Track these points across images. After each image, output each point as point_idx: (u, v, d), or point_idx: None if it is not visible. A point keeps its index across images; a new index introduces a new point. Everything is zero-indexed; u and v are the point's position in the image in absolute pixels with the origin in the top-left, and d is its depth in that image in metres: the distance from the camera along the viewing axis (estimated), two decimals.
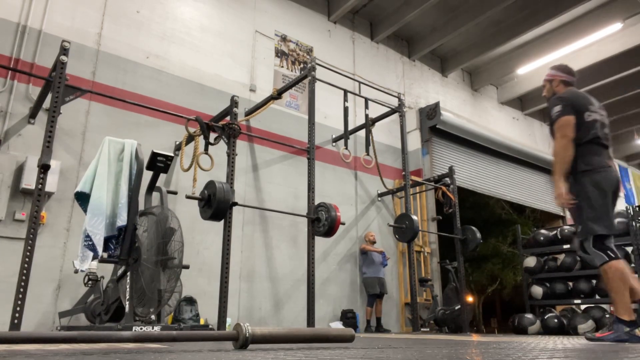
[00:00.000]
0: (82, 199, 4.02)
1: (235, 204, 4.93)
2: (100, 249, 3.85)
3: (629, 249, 7.45)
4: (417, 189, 8.70)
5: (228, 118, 5.42)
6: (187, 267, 4.06)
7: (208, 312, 5.59)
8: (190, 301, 5.51)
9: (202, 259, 5.99)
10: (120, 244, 4.04)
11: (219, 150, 5.37)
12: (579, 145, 3.10)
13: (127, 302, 3.78)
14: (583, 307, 8.23)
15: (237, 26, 7.43)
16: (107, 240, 4.02)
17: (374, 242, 7.54)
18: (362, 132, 7.22)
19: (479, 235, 7.96)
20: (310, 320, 5.16)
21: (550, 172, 12.45)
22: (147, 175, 4.29)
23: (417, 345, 2.62)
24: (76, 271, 4.30)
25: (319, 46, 8.45)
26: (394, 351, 1.99)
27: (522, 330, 7.79)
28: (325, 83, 6.54)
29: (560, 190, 3.10)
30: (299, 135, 7.15)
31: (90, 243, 3.83)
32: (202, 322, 5.46)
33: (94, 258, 3.96)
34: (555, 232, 8.62)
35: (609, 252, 2.95)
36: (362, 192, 8.22)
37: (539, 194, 11.82)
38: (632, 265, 7.31)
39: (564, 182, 3.11)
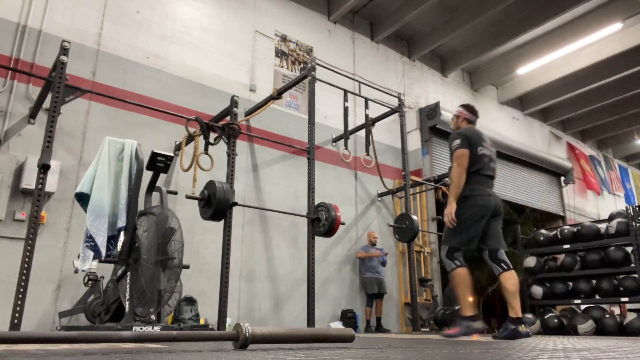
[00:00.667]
0: (82, 199, 4.03)
1: (235, 204, 4.93)
2: (103, 250, 3.85)
3: (629, 249, 7.45)
4: (417, 189, 8.70)
5: (228, 118, 5.42)
6: (187, 267, 4.06)
7: (208, 312, 5.59)
8: (190, 301, 5.51)
9: (202, 259, 5.99)
10: (119, 244, 4.04)
11: (219, 150, 5.37)
12: (467, 174, 3.66)
13: (127, 302, 3.78)
14: (583, 307, 8.23)
15: (237, 26, 7.43)
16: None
17: (374, 244, 7.52)
18: (362, 132, 7.22)
19: None
20: (310, 320, 5.16)
21: (550, 172, 12.48)
22: (147, 175, 4.29)
23: (417, 345, 2.62)
24: (76, 271, 4.31)
25: (319, 46, 8.45)
26: (394, 351, 1.99)
27: None
28: (325, 83, 6.54)
29: (450, 210, 3.63)
30: (299, 135, 7.15)
31: (92, 244, 3.84)
32: (202, 322, 5.45)
33: (95, 258, 3.96)
34: (555, 232, 8.62)
35: (456, 261, 3.55)
36: (362, 192, 8.22)
37: (539, 194, 11.83)
38: (632, 265, 7.31)
39: (455, 203, 3.64)
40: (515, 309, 3.43)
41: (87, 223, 3.88)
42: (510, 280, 3.49)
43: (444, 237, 3.69)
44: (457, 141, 3.71)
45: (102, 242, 3.84)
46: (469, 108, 4.02)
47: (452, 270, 3.59)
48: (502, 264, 3.54)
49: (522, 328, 3.41)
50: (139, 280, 3.79)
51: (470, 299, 3.52)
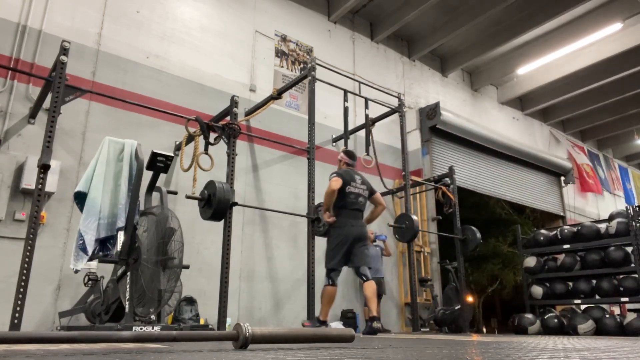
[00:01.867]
0: (80, 198, 4.03)
1: (235, 204, 4.93)
2: (90, 248, 3.84)
3: (629, 249, 7.45)
4: (417, 189, 8.69)
5: (228, 118, 5.42)
6: (187, 267, 4.06)
7: (208, 312, 5.59)
8: (190, 301, 5.51)
9: (202, 259, 5.99)
10: (117, 244, 4.04)
11: (219, 150, 5.37)
12: (336, 208, 4.63)
13: (127, 302, 3.78)
14: (583, 307, 8.23)
15: (237, 26, 7.43)
16: (105, 241, 4.01)
17: (373, 240, 7.50)
18: (362, 132, 7.21)
19: (479, 235, 7.96)
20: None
21: (550, 172, 12.47)
22: (147, 175, 4.28)
23: (417, 345, 2.62)
24: (76, 271, 4.30)
25: (319, 46, 8.45)
26: (394, 351, 1.99)
27: (522, 330, 7.80)
28: (325, 83, 6.54)
29: (325, 215, 4.76)
30: (299, 135, 7.15)
31: (81, 242, 3.83)
32: (202, 322, 5.45)
33: (90, 259, 3.96)
34: (555, 232, 8.62)
35: (329, 279, 4.52)
36: None
37: (539, 194, 11.83)
38: (632, 265, 7.31)
39: (328, 212, 4.72)
40: (371, 310, 4.54)
41: (80, 221, 3.89)
42: (368, 288, 4.52)
43: (325, 261, 4.66)
44: (333, 175, 4.74)
45: (90, 240, 3.84)
46: (348, 153, 5.04)
47: (324, 286, 4.56)
48: (362, 277, 4.58)
49: (375, 324, 4.48)
50: (139, 280, 3.79)
51: (327, 309, 4.53)
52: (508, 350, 2.01)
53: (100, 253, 4.01)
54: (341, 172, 4.76)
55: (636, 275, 7.34)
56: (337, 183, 4.59)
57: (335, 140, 7.96)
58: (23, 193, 4.97)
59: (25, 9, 5.52)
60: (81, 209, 4.01)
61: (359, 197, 4.72)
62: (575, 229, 8.30)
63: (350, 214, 4.64)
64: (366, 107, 6.96)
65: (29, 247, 3.72)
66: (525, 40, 10.39)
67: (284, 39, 8.03)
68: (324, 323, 4.56)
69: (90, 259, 3.99)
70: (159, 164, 4.15)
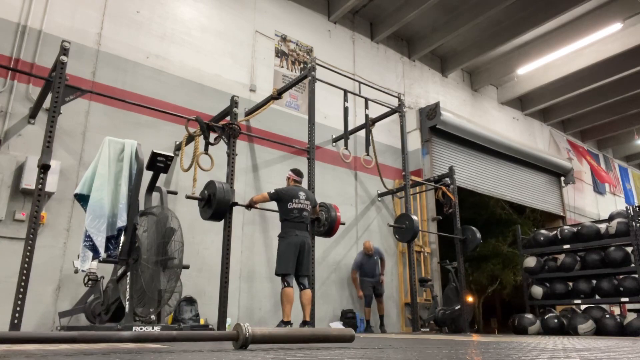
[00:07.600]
0: (82, 199, 4.03)
1: (236, 204, 4.93)
2: (102, 250, 3.84)
3: (629, 249, 7.46)
4: (417, 189, 8.69)
5: (228, 118, 5.42)
6: (187, 267, 4.06)
7: (208, 312, 5.59)
8: (190, 301, 5.51)
9: (202, 259, 5.99)
10: (120, 244, 4.04)
11: (219, 150, 5.37)
12: (282, 221, 5.10)
13: (127, 302, 3.78)
14: (583, 307, 8.23)
15: (237, 26, 7.43)
16: (106, 241, 4.01)
17: (370, 255, 7.32)
18: (362, 132, 7.21)
19: (479, 235, 7.96)
20: (311, 320, 5.16)
21: (550, 172, 12.45)
22: (147, 175, 4.28)
23: (417, 345, 2.62)
24: (76, 271, 4.31)
25: (319, 46, 8.45)
26: (394, 351, 1.99)
27: (522, 330, 7.80)
28: (325, 83, 6.53)
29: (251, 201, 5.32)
30: (299, 135, 7.14)
31: (90, 244, 3.83)
32: (202, 322, 5.45)
33: (94, 258, 3.96)
34: (555, 232, 8.62)
35: (285, 283, 4.84)
36: (362, 192, 8.22)
37: (539, 194, 11.83)
38: (632, 265, 7.31)
39: (252, 202, 5.30)
40: (305, 314, 4.95)
41: (86, 223, 3.88)
42: (304, 296, 4.97)
43: (276, 268, 5.00)
44: (272, 191, 5.21)
45: (100, 241, 3.84)
46: (295, 172, 5.44)
47: (282, 289, 4.86)
48: (301, 285, 5.01)
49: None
50: (139, 280, 3.79)
51: (289, 309, 4.82)
52: (508, 350, 2.01)
53: (104, 253, 4.01)
54: (283, 191, 5.20)
55: (636, 275, 7.34)
56: (265, 198, 5.25)
57: (335, 140, 7.96)
58: (23, 193, 4.97)
59: (25, 9, 5.52)
60: (85, 210, 4.01)
61: (302, 212, 5.13)
62: (575, 229, 8.30)
63: (294, 226, 5.08)
64: (366, 107, 6.96)
65: (29, 247, 3.72)
66: (525, 40, 10.39)
67: (284, 39, 8.03)
68: (287, 323, 4.82)
69: (94, 259, 3.99)
70: (159, 164, 4.15)
